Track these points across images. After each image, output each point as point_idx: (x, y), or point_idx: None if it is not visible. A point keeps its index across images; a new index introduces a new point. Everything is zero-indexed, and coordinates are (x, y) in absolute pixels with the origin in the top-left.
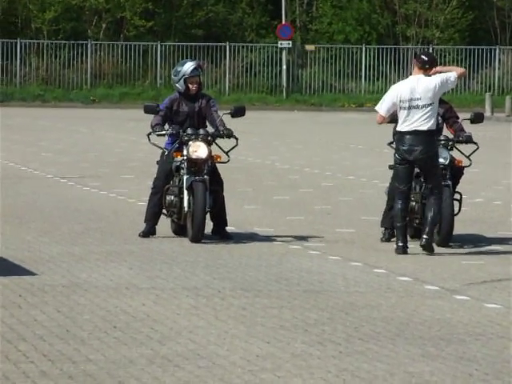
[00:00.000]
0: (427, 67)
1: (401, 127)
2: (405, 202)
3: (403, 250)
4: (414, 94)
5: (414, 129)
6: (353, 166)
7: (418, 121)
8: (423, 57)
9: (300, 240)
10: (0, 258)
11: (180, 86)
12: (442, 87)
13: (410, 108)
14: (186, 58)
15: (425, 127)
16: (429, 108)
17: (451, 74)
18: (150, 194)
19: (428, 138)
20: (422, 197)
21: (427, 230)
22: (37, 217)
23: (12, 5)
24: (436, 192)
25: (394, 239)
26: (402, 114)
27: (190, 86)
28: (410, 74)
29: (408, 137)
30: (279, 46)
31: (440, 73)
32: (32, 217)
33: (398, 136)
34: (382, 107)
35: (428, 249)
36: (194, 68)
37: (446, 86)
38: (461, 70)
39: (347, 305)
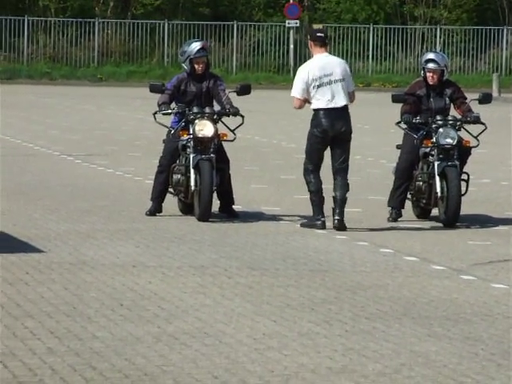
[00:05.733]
0: (327, 42)
1: (317, 105)
2: (319, 178)
3: (323, 225)
4: (324, 70)
5: (332, 106)
6: (359, 145)
7: (334, 97)
8: (320, 34)
9: (306, 219)
10: (7, 235)
11: (186, 66)
12: (349, 74)
13: (323, 85)
14: (194, 37)
15: (342, 103)
16: (342, 83)
17: (352, 87)
18: (156, 172)
19: (345, 112)
20: (429, 176)
21: (339, 210)
22: (44, 194)
23: None
24: (344, 169)
25: (401, 219)
26: (316, 92)
27: (196, 66)
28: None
29: (328, 113)
30: (287, 25)
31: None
32: (39, 194)
33: (316, 113)
34: (296, 91)
35: (341, 228)
36: (200, 49)
37: (350, 81)
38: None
39: (354, 284)
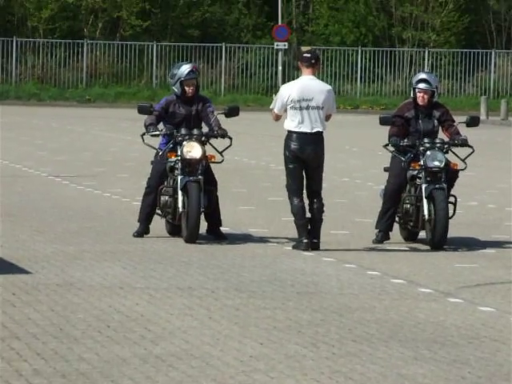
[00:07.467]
0: (313, 62)
1: (292, 127)
2: (302, 200)
3: (307, 246)
4: (304, 94)
5: (303, 130)
6: (347, 167)
7: (307, 122)
8: (306, 55)
9: (294, 241)
10: None
11: (176, 89)
12: (332, 101)
13: (299, 109)
14: (182, 59)
15: (315, 129)
16: (320, 111)
17: (332, 111)
18: (144, 193)
19: (318, 138)
20: (416, 199)
21: (314, 231)
22: (31, 215)
23: (8, 3)
24: (318, 192)
25: (388, 241)
26: (292, 114)
27: (187, 88)
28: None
29: (299, 136)
30: (275, 47)
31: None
32: (26, 215)
33: (289, 135)
34: (276, 105)
35: (314, 248)
36: (190, 71)
37: (332, 106)
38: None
39: (341, 306)
